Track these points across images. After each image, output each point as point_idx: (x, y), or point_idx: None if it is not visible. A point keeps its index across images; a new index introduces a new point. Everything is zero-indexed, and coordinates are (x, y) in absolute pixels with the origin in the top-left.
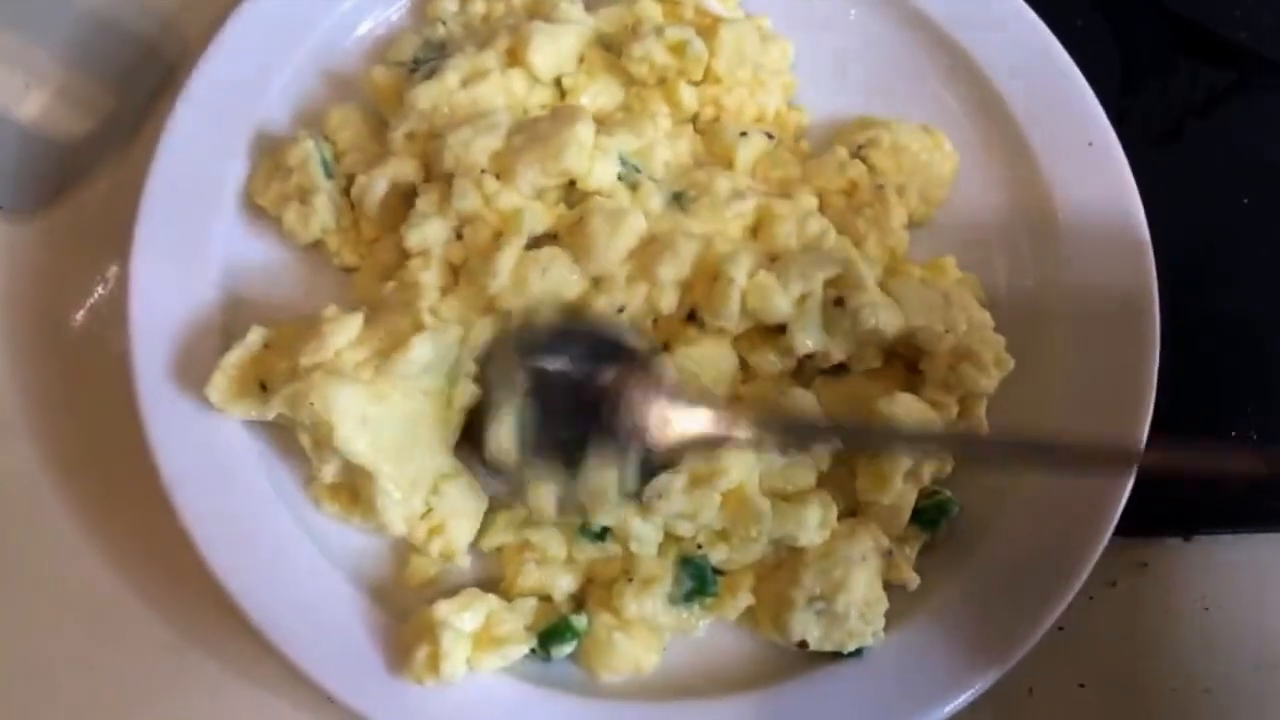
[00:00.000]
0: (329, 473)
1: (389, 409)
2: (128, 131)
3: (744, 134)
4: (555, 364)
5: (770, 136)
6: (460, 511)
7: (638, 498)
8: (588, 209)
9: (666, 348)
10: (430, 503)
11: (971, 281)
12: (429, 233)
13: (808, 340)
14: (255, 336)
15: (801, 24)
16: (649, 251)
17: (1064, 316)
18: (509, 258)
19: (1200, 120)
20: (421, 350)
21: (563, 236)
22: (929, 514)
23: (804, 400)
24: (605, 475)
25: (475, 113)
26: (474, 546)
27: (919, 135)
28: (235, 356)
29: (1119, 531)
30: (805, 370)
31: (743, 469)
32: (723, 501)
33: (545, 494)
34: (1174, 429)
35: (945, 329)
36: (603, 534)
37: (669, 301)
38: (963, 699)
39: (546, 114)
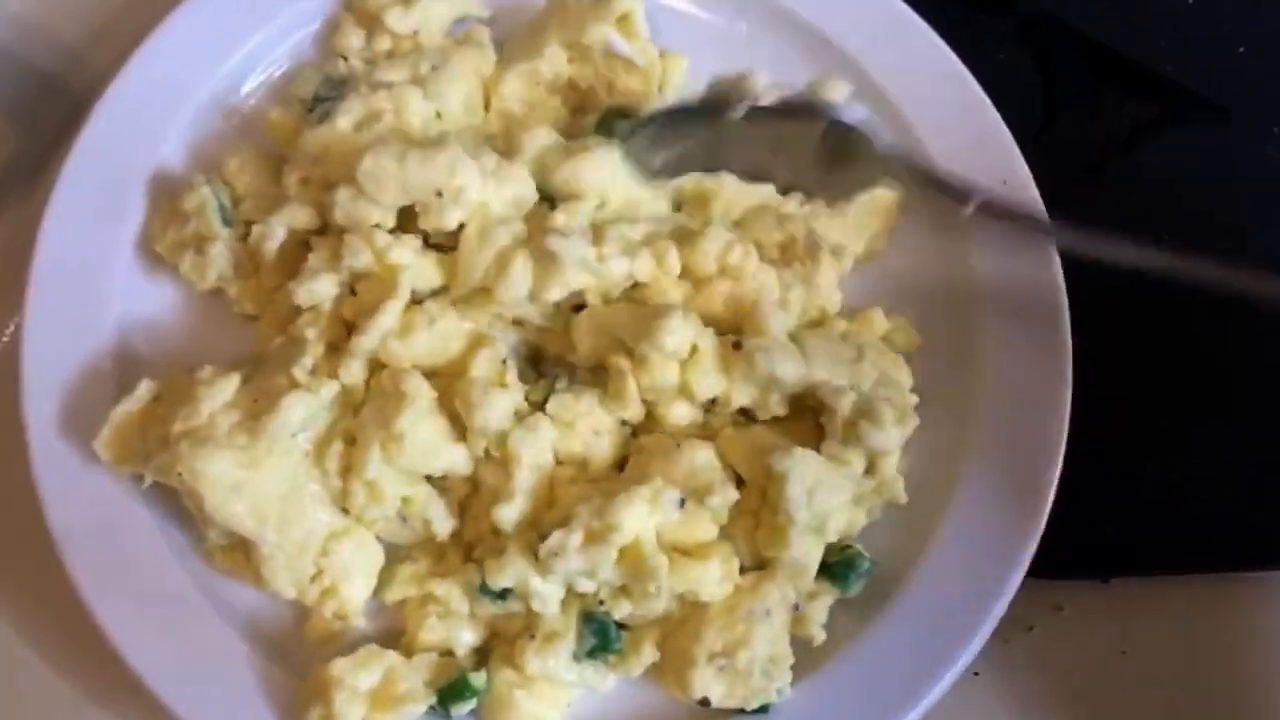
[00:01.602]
0: (214, 535)
1: (266, 473)
2: (32, 170)
3: None
4: None
5: None
6: (353, 570)
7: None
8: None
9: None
10: (320, 564)
11: (901, 326)
12: (318, 289)
13: (705, 383)
14: (144, 390)
15: (715, 54)
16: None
17: (984, 360)
18: (388, 318)
19: (1123, 153)
20: (293, 411)
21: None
22: (839, 569)
23: (702, 453)
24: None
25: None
26: (375, 598)
27: None
28: (124, 410)
29: (1036, 574)
30: (711, 424)
31: (637, 523)
32: (619, 557)
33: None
34: (1090, 474)
35: (849, 384)
36: (504, 594)
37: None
38: None
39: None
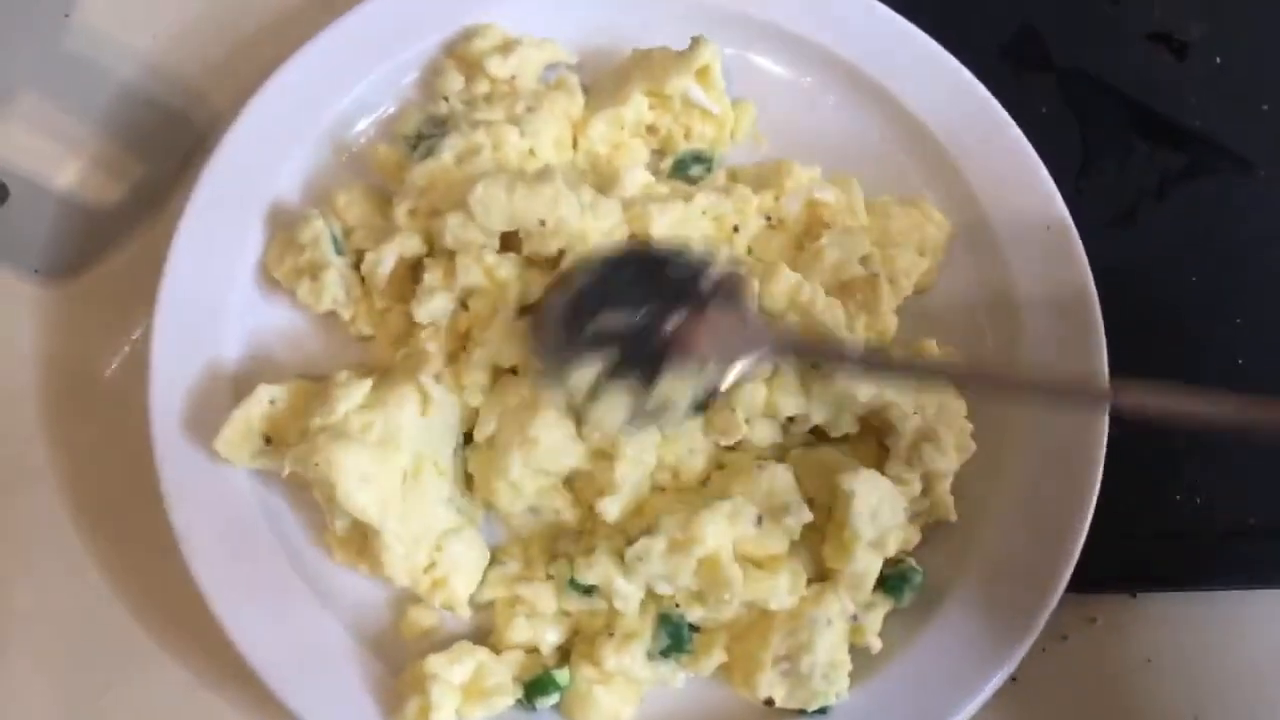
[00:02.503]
0: (340, 526)
1: (392, 469)
2: (157, 199)
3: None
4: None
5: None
6: (461, 565)
7: (702, 410)
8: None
9: None
10: (434, 557)
11: (951, 355)
12: (435, 307)
13: (788, 402)
14: (263, 394)
15: (785, 106)
16: None
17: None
18: (501, 328)
19: (1154, 202)
20: (421, 415)
21: None
22: (894, 581)
23: (781, 475)
24: (678, 387)
25: (469, 190)
26: (470, 599)
27: (909, 211)
28: (244, 412)
29: (1070, 589)
30: (784, 444)
31: (717, 536)
32: (698, 566)
33: (617, 407)
34: (1121, 493)
35: (914, 410)
36: (590, 590)
37: None
38: None
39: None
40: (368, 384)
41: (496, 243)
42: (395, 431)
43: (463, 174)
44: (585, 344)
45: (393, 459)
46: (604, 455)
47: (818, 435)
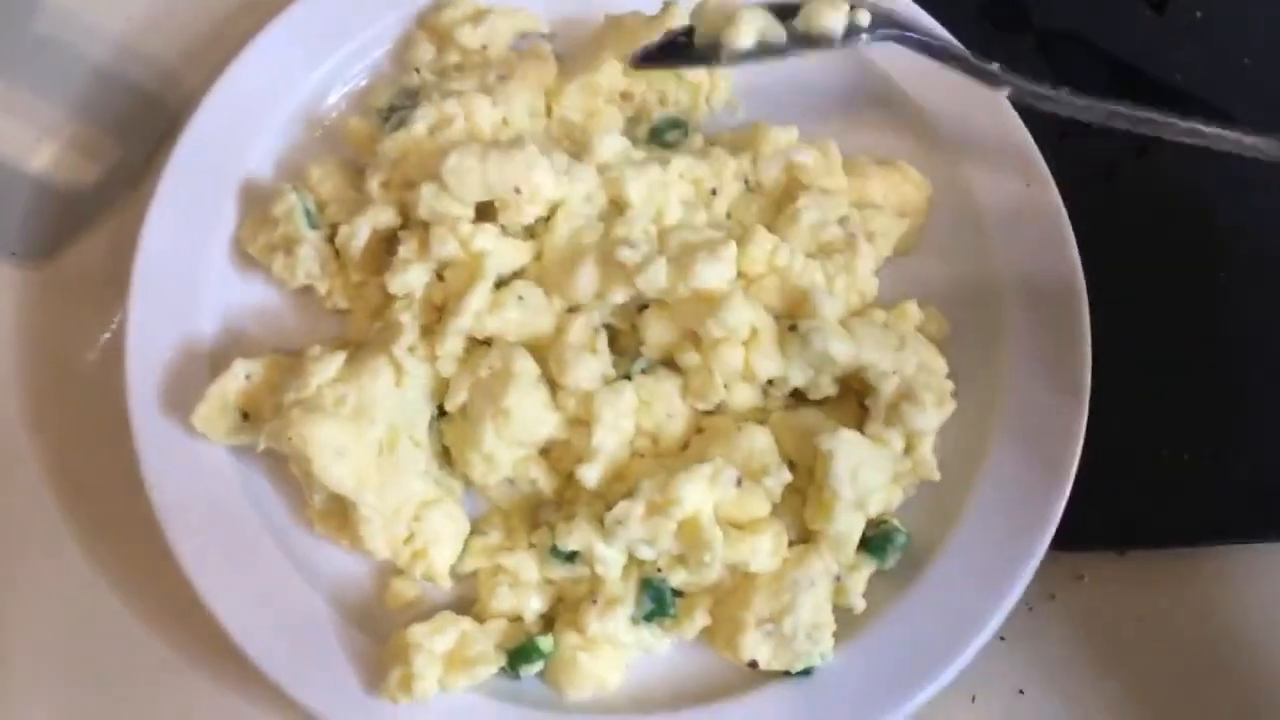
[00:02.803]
0: (318, 500)
1: (367, 442)
2: (133, 179)
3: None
4: None
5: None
6: (441, 536)
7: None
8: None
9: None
10: (413, 528)
11: (933, 316)
12: (410, 279)
13: (766, 364)
14: (239, 368)
15: (759, 69)
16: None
17: (1009, 346)
18: (478, 299)
19: (1135, 160)
20: (395, 387)
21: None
22: (877, 542)
23: (760, 437)
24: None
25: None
26: (452, 570)
27: (888, 172)
28: (220, 387)
29: (1057, 546)
30: (764, 407)
31: (697, 498)
32: (679, 529)
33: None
34: (1107, 450)
35: (893, 369)
36: (571, 557)
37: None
38: (907, 708)
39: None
40: (341, 357)
41: (472, 213)
42: (369, 404)
43: (435, 145)
44: None
45: (367, 432)
46: (580, 422)
47: (797, 398)
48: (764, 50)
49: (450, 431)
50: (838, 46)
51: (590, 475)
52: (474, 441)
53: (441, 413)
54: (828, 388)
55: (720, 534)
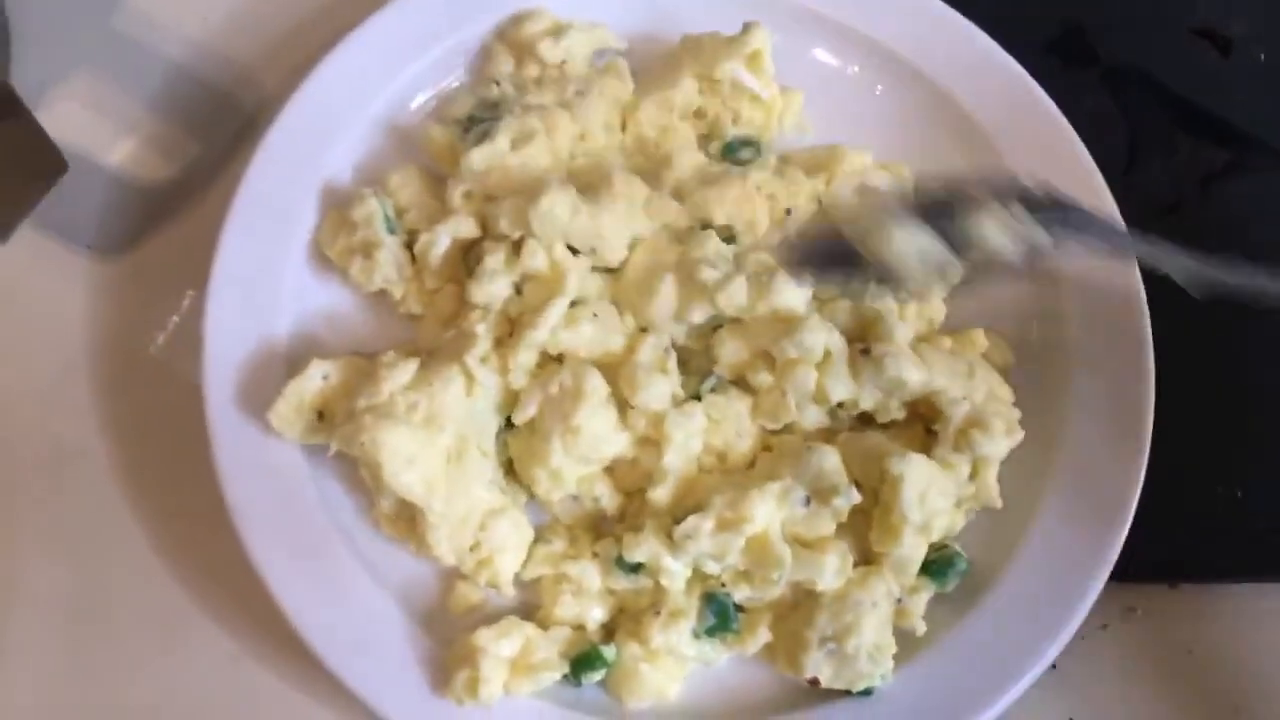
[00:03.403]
0: (386, 505)
1: (436, 449)
2: (207, 178)
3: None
4: None
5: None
6: (506, 545)
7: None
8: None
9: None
10: (479, 536)
11: (999, 345)
12: (494, 289)
13: (838, 387)
14: (316, 369)
15: (831, 94)
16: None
17: (1072, 377)
18: (555, 313)
19: (1197, 196)
20: (466, 396)
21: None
22: (938, 566)
23: (830, 457)
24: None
25: (524, 176)
26: (516, 577)
27: None
28: (296, 386)
29: (1111, 578)
30: (831, 429)
31: (766, 516)
32: (747, 545)
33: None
34: (1162, 484)
35: (963, 395)
36: (636, 568)
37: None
38: None
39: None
40: (414, 364)
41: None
42: (440, 412)
43: (518, 161)
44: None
45: (437, 440)
46: (649, 442)
47: (864, 421)
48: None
49: (516, 444)
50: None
51: (660, 496)
52: (541, 457)
53: (508, 424)
54: (896, 411)
55: (788, 552)
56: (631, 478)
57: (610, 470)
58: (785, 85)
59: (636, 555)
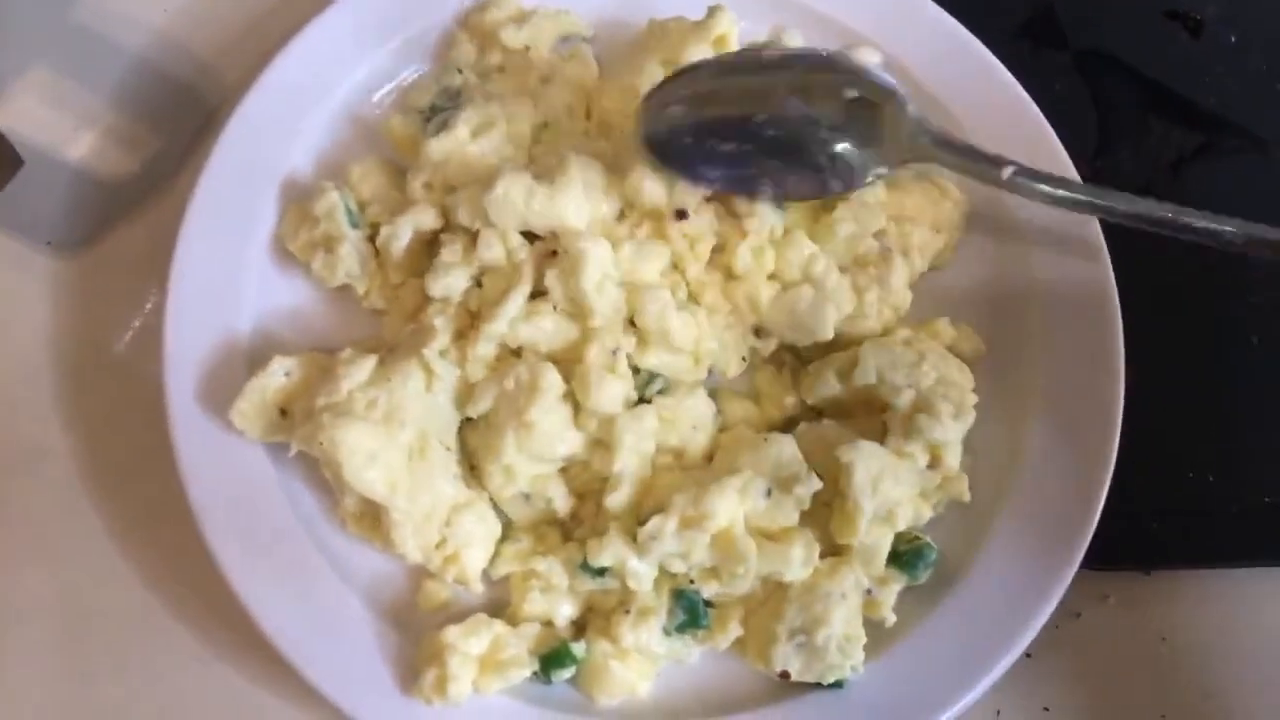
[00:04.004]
0: (350, 503)
1: (398, 446)
2: (170, 171)
3: None
4: None
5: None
6: (473, 540)
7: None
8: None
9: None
10: (444, 533)
11: (966, 334)
12: (451, 282)
13: (783, 400)
14: (278, 366)
15: None
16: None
17: (1041, 365)
18: (514, 305)
19: (1169, 179)
20: (425, 391)
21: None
22: (908, 558)
23: (787, 447)
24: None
25: (485, 165)
26: (484, 574)
27: (926, 187)
28: (258, 383)
29: (1084, 565)
30: (789, 419)
31: (729, 511)
32: (712, 541)
33: None
34: (1134, 471)
35: (907, 384)
36: (601, 571)
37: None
38: None
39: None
40: (372, 361)
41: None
42: (400, 408)
43: (479, 150)
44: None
45: (398, 436)
46: (601, 445)
47: (820, 412)
48: None
49: (474, 439)
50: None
51: (617, 500)
52: (494, 451)
53: (469, 419)
54: (834, 406)
55: (754, 545)
56: (584, 479)
57: (564, 471)
58: None
59: (601, 559)
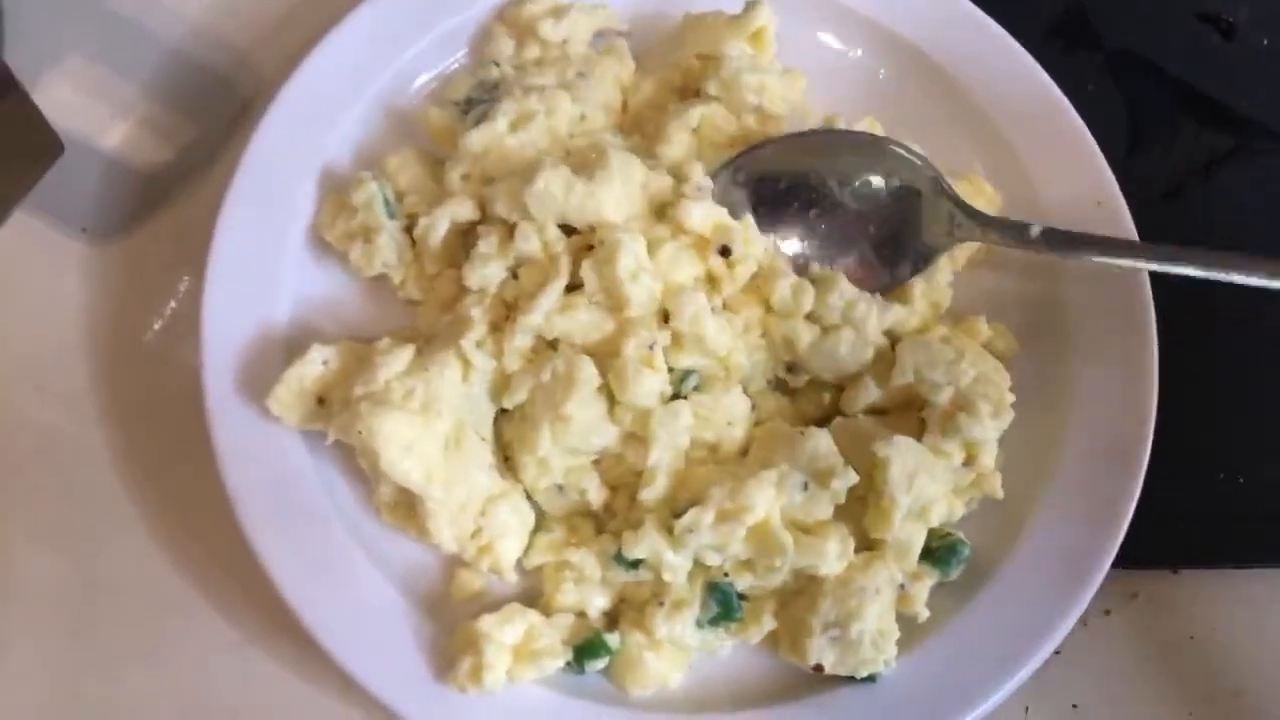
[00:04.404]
0: (385, 493)
1: (434, 436)
2: (205, 161)
3: None
4: None
5: None
6: (508, 530)
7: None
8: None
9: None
10: (479, 523)
11: (1001, 332)
12: (488, 273)
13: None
14: (316, 354)
15: (830, 77)
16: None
17: (1076, 365)
18: (550, 297)
19: (1200, 181)
20: (462, 382)
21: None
22: (941, 554)
23: (824, 440)
24: None
25: (522, 157)
26: (518, 564)
27: (961, 185)
28: (296, 372)
29: (1113, 564)
30: (824, 415)
31: (766, 503)
32: (748, 534)
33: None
34: (1165, 471)
35: (947, 381)
36: (636, 564)
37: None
38: (965, 719)
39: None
40: (410, 351)
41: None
42: (436, 398)
43: (517, 142)
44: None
45: (435, 426)
46: (636, 439)
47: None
48: None
49: (509, 430)
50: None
51: (650, 494)
52: (529, 444)
53: (504, 411)
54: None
55: (790, 538)
56: (617, 473)
57: (597, 464)
58: (789, 68)
59: (636, 551)
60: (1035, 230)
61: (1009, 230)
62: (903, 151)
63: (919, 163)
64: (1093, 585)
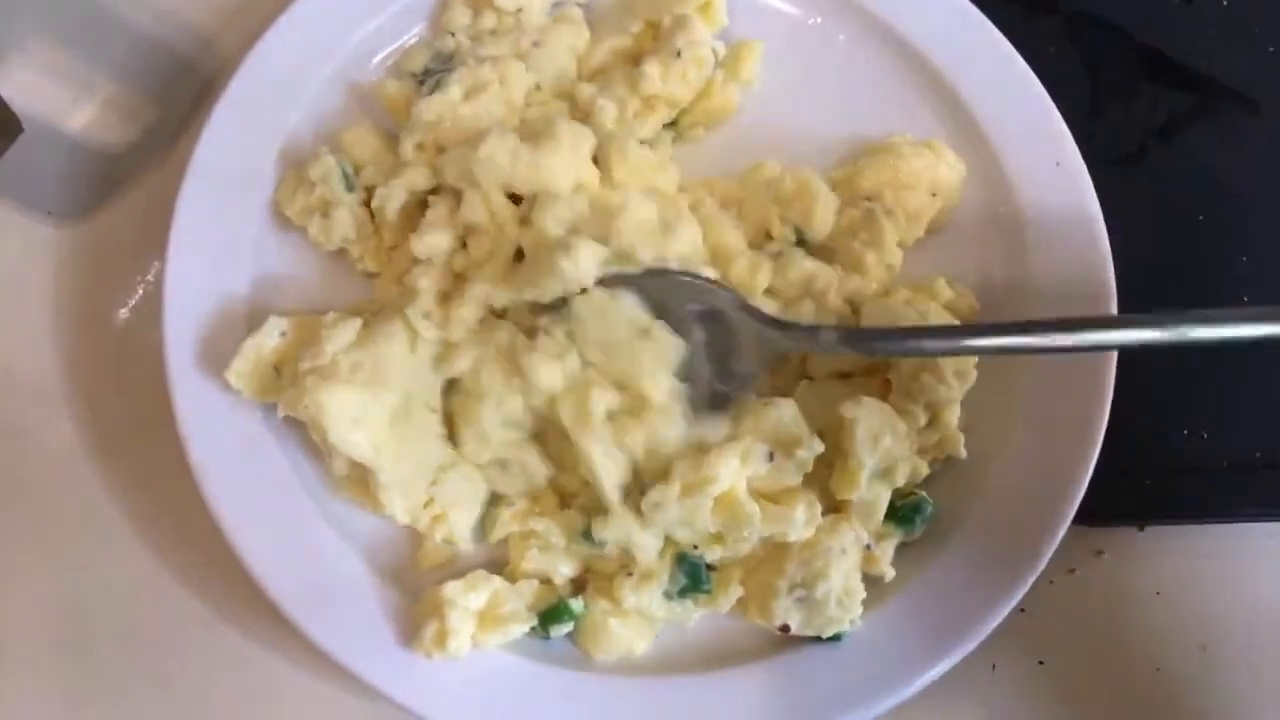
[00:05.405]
0: (338, 465)
1: (382, 408)
2: (168, 141)
3: None
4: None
5: None
6: (460, 500)
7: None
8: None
9: None
10: (431, 493)
11: (962, 293)
12: (435, 241)
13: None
14: (273, 325)
15: (789, 45)
16: None
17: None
18: (495, 268)
19: (1161, 142)
20: (409, 353)
21: None
22: (905, 512)
23: (788, 410)
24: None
25: (475, 126)
26: (479, 535)
27: (921, 151)
28: (254, 343)
29: (1077, 520)
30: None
31: (731, 475)
32: (715, 506)
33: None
34: (1128, 427)
35: None
36: (602, 542)
37: None
38: (931, 675)
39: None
40: (356, 324)
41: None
42: (383, 370)
43: (470, 111)
44: None
45: (382, 398)
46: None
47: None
48: None
49: (453, 402)
50: None
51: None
52: (470, 416)
53: (454, 381)
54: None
55: (757, 509)
56: (557, 449)
57: (539, 439)
58: (744, 37)
59: (608, 535)
60: (829, 336)
61: (805, 335)
62: (698, 281)
63: (715, 288)
64: (1053, 541)
